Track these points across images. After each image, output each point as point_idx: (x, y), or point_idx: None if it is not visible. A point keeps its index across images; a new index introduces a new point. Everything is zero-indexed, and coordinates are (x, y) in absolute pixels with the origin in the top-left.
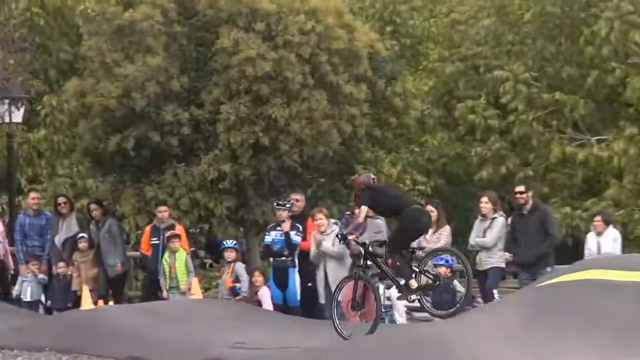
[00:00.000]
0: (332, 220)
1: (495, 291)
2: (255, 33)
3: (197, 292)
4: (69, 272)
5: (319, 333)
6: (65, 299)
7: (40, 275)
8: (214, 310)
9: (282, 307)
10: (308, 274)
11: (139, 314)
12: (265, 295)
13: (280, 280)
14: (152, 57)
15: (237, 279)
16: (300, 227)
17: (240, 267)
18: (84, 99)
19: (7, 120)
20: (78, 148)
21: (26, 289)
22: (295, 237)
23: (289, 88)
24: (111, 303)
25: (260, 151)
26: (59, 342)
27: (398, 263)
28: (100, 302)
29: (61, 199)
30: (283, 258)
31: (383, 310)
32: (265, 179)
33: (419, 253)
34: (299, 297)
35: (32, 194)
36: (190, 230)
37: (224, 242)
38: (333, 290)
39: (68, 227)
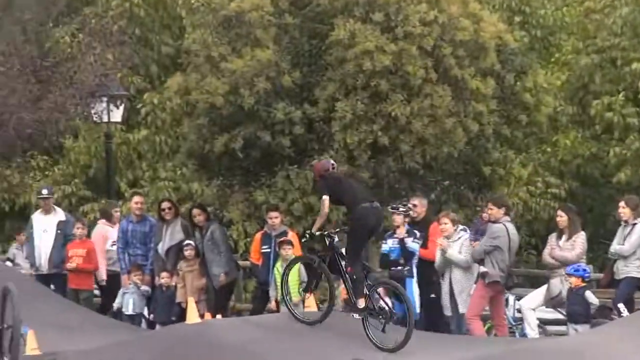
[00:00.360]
0: (461, 227)
1: (621, 305)
2: (373, 24)
3: (311, 305)
4: (173, 283)
5: (440, 348)
6: (169, 312)
7: (143, 287)
8: (329, 324)
9: (402, 320)
10: (432, 284)
11: (249, 328)
12: None
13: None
14: (261, 51)
15: None
16: (418, 234)
17: None
18: (188, 96)
19: (105, 119)
20: (182, 149)
21: (128, 301)
22: (412, 244)
23: (410, 83)
24: (218, 316)
25: (379, 151)
26: (163, 359)
27: (354, 277)
28: (207, 315)
29: (165, 204)
30: (399, 267)
31: (513, 323)
32: (384, 182)
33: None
34: (418, 310)
35: (136, 198)
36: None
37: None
38: (283, 270)
39: (172, 235)
